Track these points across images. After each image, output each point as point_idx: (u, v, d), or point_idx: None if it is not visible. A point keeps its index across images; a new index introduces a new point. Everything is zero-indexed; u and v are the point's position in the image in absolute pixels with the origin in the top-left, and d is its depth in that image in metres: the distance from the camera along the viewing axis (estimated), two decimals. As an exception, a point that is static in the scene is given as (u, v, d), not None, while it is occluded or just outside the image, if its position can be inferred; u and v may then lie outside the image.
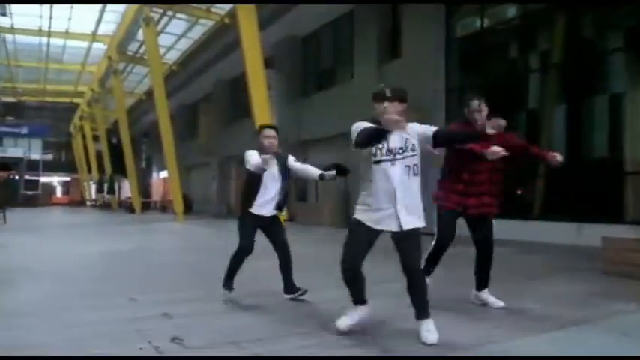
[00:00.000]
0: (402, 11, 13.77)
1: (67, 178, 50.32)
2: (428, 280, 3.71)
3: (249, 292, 4.42)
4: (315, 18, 17.02)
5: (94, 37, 23.96)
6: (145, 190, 37.22)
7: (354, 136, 3.23)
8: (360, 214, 3.30)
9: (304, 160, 18.46)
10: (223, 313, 4.05)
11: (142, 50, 23.69)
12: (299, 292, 4.42)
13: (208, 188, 27.03)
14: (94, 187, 41.75)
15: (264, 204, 4.34)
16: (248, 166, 4.25)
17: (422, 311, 3.24)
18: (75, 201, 44.87)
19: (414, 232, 3.24)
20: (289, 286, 4.45)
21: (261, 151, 4.29)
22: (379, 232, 3.27)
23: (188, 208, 23.15)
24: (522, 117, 11.47)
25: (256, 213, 4.32)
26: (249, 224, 4.33)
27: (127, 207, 29.32)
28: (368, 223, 3.25)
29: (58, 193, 51.59)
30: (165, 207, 29.41)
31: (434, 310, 3.29)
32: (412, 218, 3.22)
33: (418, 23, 13.06)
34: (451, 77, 12.57)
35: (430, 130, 3.27)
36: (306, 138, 18.17)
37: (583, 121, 10.16)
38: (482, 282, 4.27)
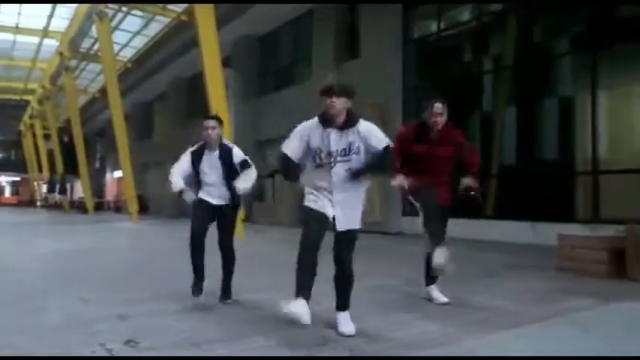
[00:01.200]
0: (360, 11, 13.92)
1: (17, 178, 48.35)
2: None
3: (205, 291, 4.37)
4: (274, 17, 16.99)
5: (45, 32, 23.08)
6: (98, 190, 36.19)
7: (281, 150, 3.36)
8: (310, 203, 3.32)
9: (263, 159, 18.48)
10: (181, 313, 3.95)
11: (95, 47, 23.00)
12: (228, 300, 4.31)
13: (163, 188, 26.48)
14: (44, 187, 40.24)
15: (210, 190, 4.29)
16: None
17: (344, 303, 3.40)
18: (24, 201, 43.16)
19: (349, 233, 3.30)
20: (225, 290, 4.34)
21: (208, 144, 4.30)
22: (327, 217, 3.26)
23: (143, 208, 22.67)
24: (476, 118, 11.82)
25: (204, 198, 4.28)
26: (200, 210, 4.25)
27: (80, 207, 28.42)
28: (317, 209, 3.27)
29: (7, 193, 49.48)
30: (119, 207, 28.69)
31: (407, 307, 3.33)
32: (347, 220, 3.27)
33: (376, 23, 13.23)
34: (408, 78, 12.79)
35: (380, 145, 3.27)
36: (263, 138, 18.09)
37: (535, 122, 10.53)
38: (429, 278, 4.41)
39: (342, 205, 3.26)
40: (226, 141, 4.46)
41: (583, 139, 9.56)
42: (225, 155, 4.31)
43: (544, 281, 5.45)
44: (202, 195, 4.30)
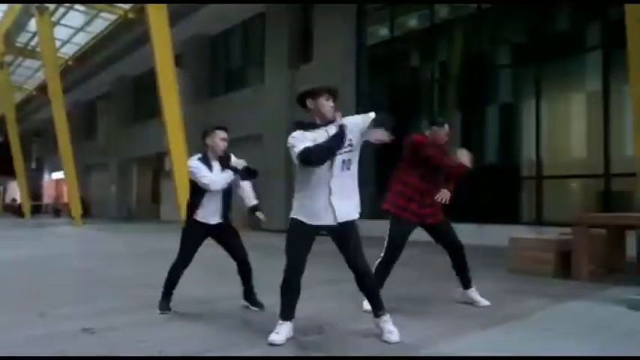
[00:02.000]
0: (314, 14, 14.01)
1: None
2: None
3: (175, 301, 4.27)
4: (225, 18, 16.81)
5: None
6: (35, 192, 34.41)
7: (296, 152, 3.18)
8: (297, 212, 3.32)
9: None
10: (152, 324, 3.84)
11: (33, 42, 21.91)
12: (258, 307, 4.26)
13: (107, 190, 25.61)
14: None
15: (211, 212, 4.20)
16: (202, 182, 4.06)
17: (379, 305, 3.37)
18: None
19: (351, 225, 3.32)
20: (248, 294, 4.32)
21: (214, 154, 4.18)
22: (317, 229, 3.31)
23: (85, 211, 21.80)
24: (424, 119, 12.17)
25: (202, 221, 4.19)
26: (194, 236, 4.19)
27: (15, 210, 26.95)
28: (305, 220, 3.28)
29: None
30: (58, 210, 27.42)
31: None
32: (347, 211, 3.30)
33: (330, 27, 13.36)
34: (362, 83, 13.00)
35: (370, 115, 3.31)
36: (215, 140, 17.82)
37: (481, 129, 10.99)
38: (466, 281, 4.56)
39: (340, 198, 3.26)
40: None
41: (528, 146, 10.05)
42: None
43: (498, 282, 5.68)
44: (200, 218, 4.18)
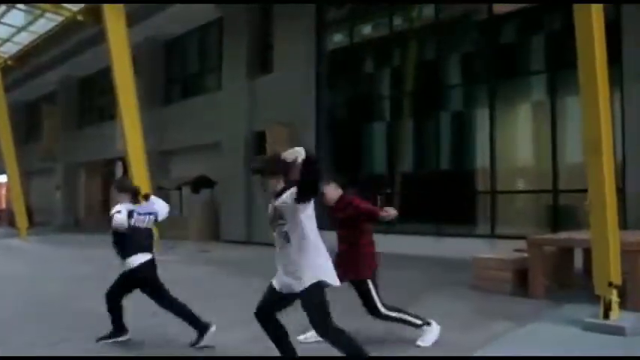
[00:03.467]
0: (275, 21, 13.93)
1: None
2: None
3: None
4: (181, 22, 16.48)
5: None
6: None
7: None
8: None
9: (168, 171, 17.85)
10: None
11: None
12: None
13: (51, 197, 24.54)
14: None
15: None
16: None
17: None
18: None
19: (296, 295, 3.30)
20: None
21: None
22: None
23: (29, 219, 20.80)
24: (381, 136, 12.53)
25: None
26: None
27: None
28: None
29: None
30: (-1, 218, 26.04)
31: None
32: (289, 281, 3.29)
33: (290, 38, 13.33)
34: (322, 95, 13.07)
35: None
36: (168, 148, 17.50)
37: (439, 136, 11.32)
38: None
39: (284, 269, 3.34)
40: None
41: (483, 159, 10.49)
42: None
43: (462, 301, 5.99)
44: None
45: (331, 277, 3.28)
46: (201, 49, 17.27)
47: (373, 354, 3.32)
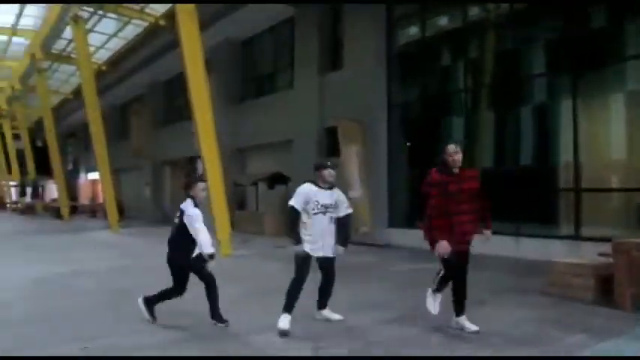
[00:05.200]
0: (344, 18, 13.82)
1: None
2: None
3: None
4: (255, 22, 16.85)
5: (13, 31, 22.40)
6: (72, 192, 35.42)
7: (294, 198, 4.82)
8: (304, 245, 4.75)
9: (244, 167, 18.34)
10: None
11: (69, 49, 22.47)
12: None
13: (140, 193, 26.13)
14: (14, 190, 39.11)
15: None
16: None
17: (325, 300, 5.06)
18: (-7, 205, 41.90)
19: (332, 259, 4.91)
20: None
21: (195, 204, 4.81)
22: (313, 257, 4.80)
23: (121, 213, 22.28)
24: (457, 125, 12.01)
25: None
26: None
27: (54, 211, 27.74)
28: (307, 250, 4.74)
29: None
30: (94, 211, 28.12)
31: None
32: (330, 250, 4.85)
33: (360, 33, 13.13)
34: (395, 92, 12.80)
35: (344, 210, 4.99)
36: (244, 145, 17.98)
37: (519, 131, 10.70)
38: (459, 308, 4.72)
39: (328, 241, 4.85)
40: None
41: (565, 151, 9.76)
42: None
43: (532, 310, 5.55)
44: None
45: None
46: (274, 48, 17.52)
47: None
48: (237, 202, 17.65)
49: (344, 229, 4.91)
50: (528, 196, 10.18)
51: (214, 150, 11.39)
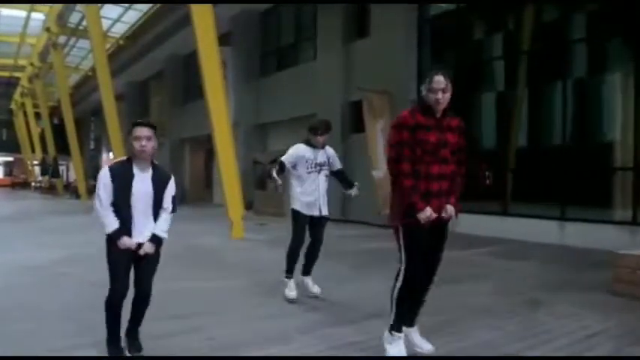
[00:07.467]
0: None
1: (10, 158, 47.39)
2: None
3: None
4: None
5: (31, 6, 21.88)
6: (94, 171, 35.26)
7: (286, 155, 4.97)
8: (296, 204, 4.86)
9: (265, 143, 17.54)
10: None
11: (85, 22, 21.84)
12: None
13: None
14: (37, 169, 39.26)
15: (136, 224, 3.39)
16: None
17: (309, 268, 5.05)
18: (18, 183, 42.24)
19: (326, 218, 4.94)
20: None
21: (132, 156, 3.29)
22: (309, 216, 4.85)
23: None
24: (491, 102, 11.01)
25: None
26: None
27: (73, 191, 27.50)
28: (303, 211, 4.83)
29: (0, 174, 48.62)
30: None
31: None
32: (326, 208, 4.92)
33: (387, 2, 12.08)
34: (423, 59, 11.75)
35: (338, 164, 5.14)
36: (265, 121, 17.15)
37: (565, 104, 9.57)
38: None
39: (324, 199, 4.93)
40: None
41: (624, 132, 8.63)
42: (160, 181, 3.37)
43: (601, 314, 4.51)
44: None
45: None
46: (296, 18, 16.47)
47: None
48: (257, 181, 16.82)
49: (344, 175, 5.12)
50: (575, 176, 9.09)
51: (227, 130, 10.57)
